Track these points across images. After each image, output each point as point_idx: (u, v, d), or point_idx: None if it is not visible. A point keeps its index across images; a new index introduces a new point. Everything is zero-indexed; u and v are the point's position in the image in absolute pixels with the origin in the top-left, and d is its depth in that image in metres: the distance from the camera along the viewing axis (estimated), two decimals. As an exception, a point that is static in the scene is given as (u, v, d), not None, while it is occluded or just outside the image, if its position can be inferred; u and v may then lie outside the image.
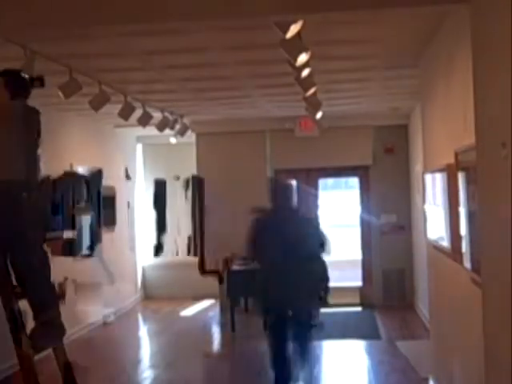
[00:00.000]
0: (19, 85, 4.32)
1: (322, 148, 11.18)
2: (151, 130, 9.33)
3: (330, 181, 14.15)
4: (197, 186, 11.49)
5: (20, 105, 4.22)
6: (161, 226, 13.21)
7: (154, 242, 13.25)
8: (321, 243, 5.91)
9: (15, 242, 4.01)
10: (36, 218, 4.20)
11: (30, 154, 4.20)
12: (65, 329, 4.18)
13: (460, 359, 5.27)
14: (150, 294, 12.84)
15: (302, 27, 4.55)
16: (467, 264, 4.55)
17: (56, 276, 4.81)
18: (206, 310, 11.79)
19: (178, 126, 9.80)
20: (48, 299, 4.13)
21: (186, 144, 11.34)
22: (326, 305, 6.24)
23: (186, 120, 10.17)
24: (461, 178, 4.68)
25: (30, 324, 4.05)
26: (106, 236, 10.47)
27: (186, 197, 12.73)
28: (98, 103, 6.76)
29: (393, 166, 11.30)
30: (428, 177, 6.56)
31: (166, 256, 13.17)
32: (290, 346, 5.85)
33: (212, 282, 11.63)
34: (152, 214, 13.18)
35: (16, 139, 4.10)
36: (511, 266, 3.09)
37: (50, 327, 4.07)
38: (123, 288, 11.43)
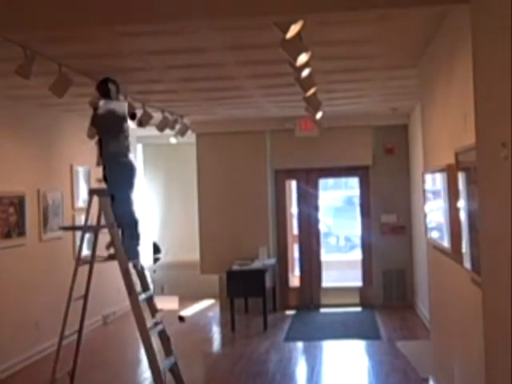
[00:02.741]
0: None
1: (322, 148, 11.20)
2: (151, 130, 9.33)
3: (330, 181, 14.15)
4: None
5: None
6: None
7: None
8: None
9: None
10: None
11: None
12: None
13: (460, 359, 5.27)
14: (150, 294, 12.81)
15: (302, 27, 4.54)
16: (467, 264, 4.54)
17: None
18: (206, 309, 11.79)
19: (178, 126, 9.80)
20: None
21: (186, 144, 11.34)
22: None
23: (186, 120, 10.16)
24: (461, 178, 4.68)
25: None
26: (104, 236, 10.44)
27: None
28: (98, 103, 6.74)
29: (393, 166, 11.29)
30: (428, 177, 6.56)
31: (166, 256, 13.16)
32: None
33: (212, 281, 11.65)
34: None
35: None
36: (511, 266, 3.09)
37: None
38: (123, 288, 11.39)
